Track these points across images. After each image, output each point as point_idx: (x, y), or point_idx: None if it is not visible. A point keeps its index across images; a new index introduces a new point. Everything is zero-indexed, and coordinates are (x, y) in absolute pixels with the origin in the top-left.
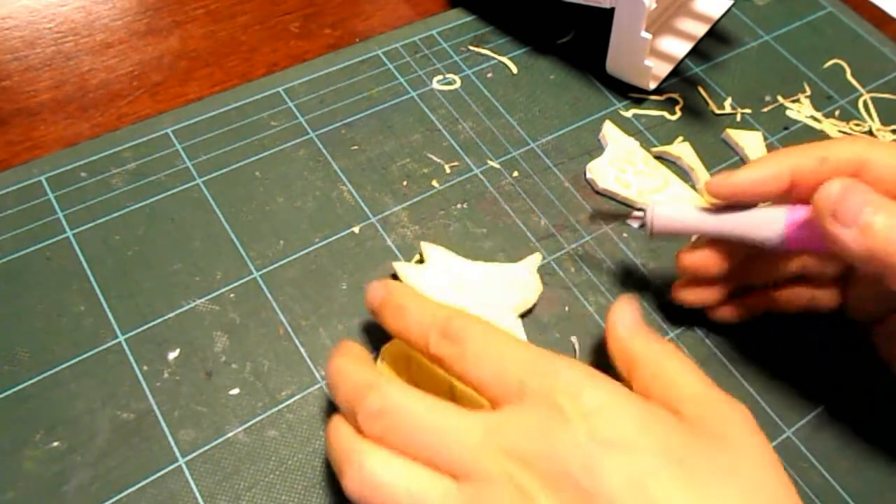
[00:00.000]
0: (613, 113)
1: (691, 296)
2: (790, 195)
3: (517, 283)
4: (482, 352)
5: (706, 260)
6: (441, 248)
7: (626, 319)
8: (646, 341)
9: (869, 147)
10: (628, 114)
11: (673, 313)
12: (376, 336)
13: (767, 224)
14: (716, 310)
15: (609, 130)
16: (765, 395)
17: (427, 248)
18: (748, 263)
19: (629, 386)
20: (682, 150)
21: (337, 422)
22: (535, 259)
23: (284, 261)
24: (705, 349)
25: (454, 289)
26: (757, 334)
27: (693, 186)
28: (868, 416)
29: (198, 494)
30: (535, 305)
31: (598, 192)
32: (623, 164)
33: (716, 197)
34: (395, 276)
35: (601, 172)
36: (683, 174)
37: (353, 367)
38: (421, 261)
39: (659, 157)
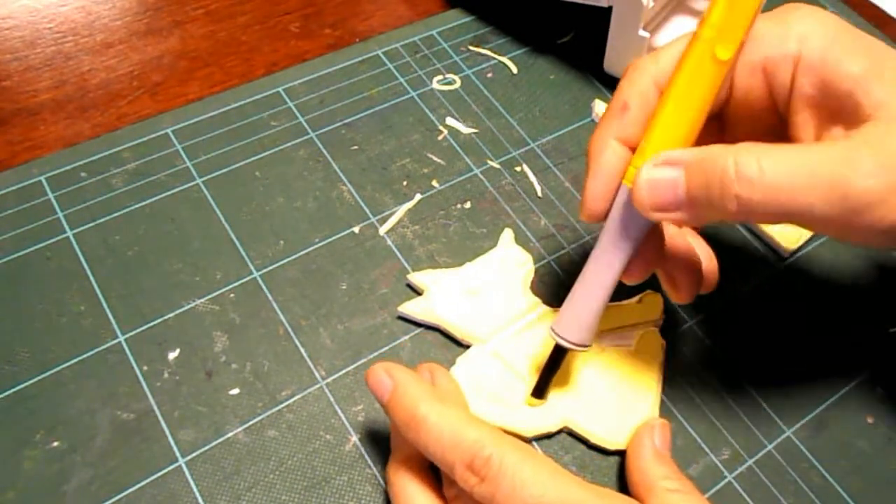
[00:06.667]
0: None
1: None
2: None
3: (509, 260)
4: (516, 495)
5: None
6: (428, 272)
7: (654, 447)
8: (667, 477)
9: (645, 67)
10: None
11: (673, 313)
12: (378, 336)
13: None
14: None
15: (601, 109)
16: (765, 395)
17: (416, 278)
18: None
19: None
20: None
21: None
22: (508, 234)
23: (284, 261)
24: (705, 350)
25: (468, 300)
26: (757, 335)
27: None
28: (868, 416)
29: (198, 494)
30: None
31: None
32: None
33: (592, 220)
34: (402, 315)
35: None
36: None
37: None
38: (415, 289)
39: None
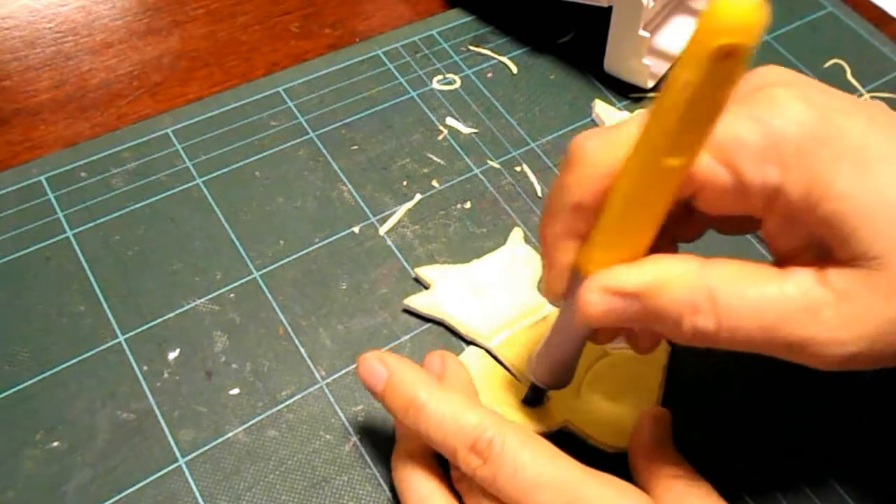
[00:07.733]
0: None
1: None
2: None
3: (518, 260)
4: (516, 477)
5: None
6: (436, 266)
7: (656, 435)
8: (671, 463)
9: (594, 162)
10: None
11: None
12: (378, 336)
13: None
14: None
15: (601, 109)
16: (766, 395)
17: (424, 272)
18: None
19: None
20: None
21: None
22: (517, 233)
23: (284, 261)
24: (707, 351)
25: (474, 296)
26: None
27: None
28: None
29: (198, 494)
30: None
31: None
32: None
33: (556, 303)
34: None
35: None
36: None
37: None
38: (421, 282)
39: None
